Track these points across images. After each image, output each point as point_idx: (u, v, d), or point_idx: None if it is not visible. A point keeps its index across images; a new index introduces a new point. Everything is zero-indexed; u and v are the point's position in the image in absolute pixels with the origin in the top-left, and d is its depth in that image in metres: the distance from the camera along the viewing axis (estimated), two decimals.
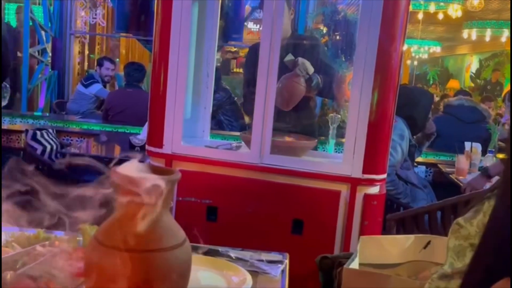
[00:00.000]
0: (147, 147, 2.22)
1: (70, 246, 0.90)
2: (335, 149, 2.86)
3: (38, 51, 6.18)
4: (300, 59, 2.47)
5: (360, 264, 0.95)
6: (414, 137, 3.20)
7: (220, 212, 2.10)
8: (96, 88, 5.33)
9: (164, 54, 2.11)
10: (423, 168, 3.76)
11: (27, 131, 3.52)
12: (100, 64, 5.64)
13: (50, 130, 3.74)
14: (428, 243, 1.03)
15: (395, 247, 1.02)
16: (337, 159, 2.20)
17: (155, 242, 0.71)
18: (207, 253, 1.05)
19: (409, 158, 3.13)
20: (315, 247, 1.97)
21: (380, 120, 1.99)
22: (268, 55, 2.03)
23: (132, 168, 0.74)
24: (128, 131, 4.15)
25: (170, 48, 2.10)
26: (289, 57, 2.52)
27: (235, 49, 8.90)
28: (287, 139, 2.31)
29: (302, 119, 2.74)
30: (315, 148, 2.61)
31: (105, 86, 5.54)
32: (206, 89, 2.44)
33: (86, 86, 5.33)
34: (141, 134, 3.41)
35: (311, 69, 2.49)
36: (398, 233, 2.18)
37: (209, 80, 2.44)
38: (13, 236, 0.95)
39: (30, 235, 0.95)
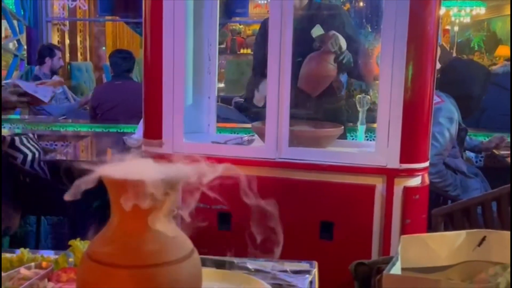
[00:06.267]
0: (143, 147, 2.22)
1: (59, 267, 0.90)
2: (366, 136, 2.84)
3: (12, 44, 6.23)
4: (332, 32, 2.46)
5: (402, 269, 0.95)
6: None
7: (234, 219, 2.11)
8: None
9: (156, 37, 2.11)
10: (471, 153, 3.72)
11: (4, 137, 3.55)
12: (50, 55, 5.40)
13: (31, 135, 3.77)
14: (483, 239, 1.02)
15: (444, 247, 1.01)
16: (369, 147, 2.19)
17: (157, 255, 0.71)
18: (221, 265, 1.05)
19: (457, 144, 3.10)
20: (349, 253, 1.96)
21: (417, 98, 1.98)
22: (279, 29, 2.02)
23: (131, 168, 0.73)
24: (122, 131, 4.17)
25: (163, 29, 2.10)
26: (318, 30, 2.50)
27: (240, 26, 8.91)
28: (308, 128, 2.30)
29: (325, 103, 2.73)
30: (343, 137, 2.60)
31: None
32: (209, 75, 2.44)
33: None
34: (137, 133, 3.43)
35: (344, 44, 2.48)
36: (446, 230, 2.16)
37: (212, 64, 2.44)
38: None
39: (13, 257, 0.96)
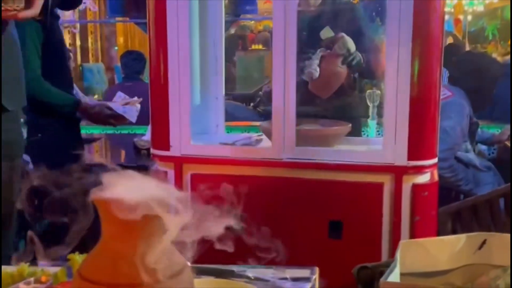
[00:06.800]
0: (152, 150, 2.24)
1: (58, 281, 0.91)
2: (377, 131, 2.83)
3: None
4: (341, 35, 2.46)
5: (402, 274, 0.94)
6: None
7: (243, 220, 2.11)
8: None
9: (161, 37, 2.11)
10: (483, 146, 3.69)
11: None
12: None
13: None
14: (484, 242, 1.01)
15: (444, 251, 1.00)
16: (378, 144, 2.18)
17: (149, 273, 0.71)
18: (220, 274, 1.06)
19: (469, 138, 3.08)
20: (358, 252, 1.96)
21: (424, 94, 1.97)
22: (283, 27, 2.01)
23: (121, 185, 0.74)
24: (133, 132, 4.19)
25: (167, 30, 2.10)
26: (327, 32, 2.50)
27: (252, 22, 8.89)
28: (316, 126, 2.30)
29: (333, 99, 2.71)
30: (358, 133, 2.59)
31: None
32: (216, 76, 2.44)
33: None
34: (147, 135, 3.44)
35: (352, 46, 2.47)
36: (454, 228, 2.15)
37: (218, 64, 2.44)
38: None
39: (14, 272, 0.97)
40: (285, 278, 1.06)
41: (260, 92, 5.03)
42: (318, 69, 2.40)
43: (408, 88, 1.94)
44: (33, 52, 2.51)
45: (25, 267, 0.98)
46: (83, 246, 0.93)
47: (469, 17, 10.94)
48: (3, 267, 0.99)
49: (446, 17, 7.63)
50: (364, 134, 3.00)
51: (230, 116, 3.49)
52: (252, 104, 5.48)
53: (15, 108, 1.72)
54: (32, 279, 0.94)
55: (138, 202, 0.68)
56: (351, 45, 2.46)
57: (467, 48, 8.50)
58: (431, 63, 1.96)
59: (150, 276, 0.70)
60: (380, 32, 3.82)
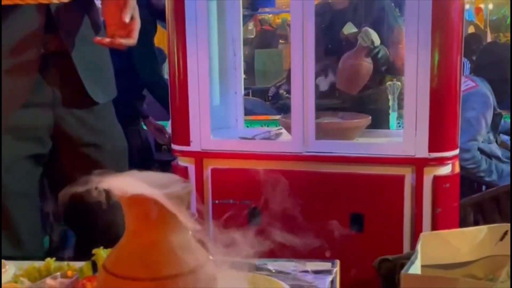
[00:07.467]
0: (172, 145, 2.26)
1: (84, 275, 0.94)
2: (398, 123, 2.82)
3: None
4: (364, 28, 2.45)
5: (423, 266, 0.95)
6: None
7: (264, 214, 2.12)
8: None
9: (180, 33, 2.13)
10: (505, 136, 3.65)
11: None
12: None
13: None
14: (505, 233, 1.01)
15: (465, 243, 1.00)
16: (399, 137, 2.18)
17: (172, 267, 0.72)
18: (241, 267, 1.07)
19: (491, 129, 3.06)
20: (380, 245, 1.96)
21: (444, 85, 1.95)
22: (301, 20, 2.02)
23: (141, 181, 0.75)
24: None
25: (186, 25, 2.11)
26: (350, 28, 2.50)
27: (269, 16, 8.87)
28: (335, 119, 2.30)
29: (360, 95, 2.71)
30: (377, 126, 2.58)
31: None
32: (234, 71, 2.45)
33: None
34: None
35: (376, 39, 2.46)
36: (476, 220, 2.14)
37: (237, 59, 2.45)
38: (21, 269, 1.00)
39: (41, 267, 1.00)
40: (306, 271, 1.07)
41: (274, 89, 5.04)
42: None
43: (428, 79, 1.93)
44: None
45: (51, 262, 1.00)
46: (108, 241, 0.95)
47: (490, 6, 10.81)
48: (31, 262, 1.02)
49: (467, 6, 7.56)
50: (385, 126, 2.99)
51: (248, 112, 3.51)
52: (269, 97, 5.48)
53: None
54: (58, 273, 0.96)
55: (159, 197, 0.70)
56: (375, 37, 2.45)
57: (489, 37, 8.39)
58: (451, 53, 1.95)
59: (174, 269, 0.72)
60: (400, 23, 3.78)
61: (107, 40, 1.38)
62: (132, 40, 1.41)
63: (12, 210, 1.42)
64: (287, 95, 4.83)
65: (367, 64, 2.48)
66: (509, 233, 1.00)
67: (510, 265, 0.87)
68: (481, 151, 2.95)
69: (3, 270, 1.02)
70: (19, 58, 1.39)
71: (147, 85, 3.23)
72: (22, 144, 1.44)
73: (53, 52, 1.46)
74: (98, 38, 1.40)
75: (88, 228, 1.54)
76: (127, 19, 1.35)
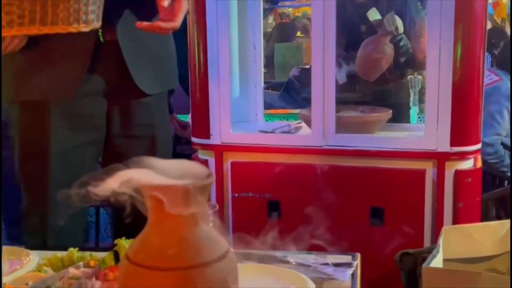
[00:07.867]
0: (192, 138, 2.27)
1: (106, 265, 0.95)
2: (419, 117, 2.80)
3: None
4: (390, 14, 2.43)
5: (445, 260, 0.94)
6: None
7: (284, 207, 2.13)
8: None
9: (200, 26, 2.13)
10: None
11: None
12: None
13: None
14: None
15: (488, 236, 1.00)
16: (420, 131, 2.16)
17: (194, 257, 0.73)
18: (262, 259, 1.08)
19: None
20: (400, 239, 1.96)
21: (467, 79, 1.94)
22: (322, 12, 2.01)
23: (162, 171, 0.76)
24: None
25: (206, 18, 2.12)
26: (375, 14, 2.48)
27: (289, 10, 8.84)
28: (356, 113, 2.29)
29: (374, 85, 2.70)
30: (398, 120, 2.57)
31: None
32: (255, 64, 2.45)
33: None
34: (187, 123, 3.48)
35: (401, 26, 2.44)
36: (498, 215, 2.12)
37: (257, 52, 2.45)
38: (45, 259, 1.01)
39: (64, 256, 1.01)
40: (327, 264, 1.08)
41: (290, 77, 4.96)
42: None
43: (451, 73, 1.91)
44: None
45: (74, 251, 1.01)
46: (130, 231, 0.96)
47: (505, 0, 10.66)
48: (54, 252, 1.03)
49: None
50: (405, 120, 2.97)
51: (268, 105, 3.50)
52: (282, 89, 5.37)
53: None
54: (81, 263, 0.98)
55: (181, 187, 0.71)
56: (400, 24, 2.44)
57: (508, 32, 8.27)
58: (474, 47, 1.93)
59: (196, 260, 0.73)
60: (422, 15, 3.75)
61: (146, 23, 1.38)
62: (173, 23, 1.40)
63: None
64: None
65: (388, 49, 2.46)
66: None
67: (510, 263, 0.87)
68: (504, 146, 2.92)
69: (26, 259, 1.04)
70: (74, 45, 1.39)
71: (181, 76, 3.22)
72: (79, 131, 1.45)
73: (108, 41, 1.47)
74: (139, 22, 1.40)
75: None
76: (165, 3, 1.35)
